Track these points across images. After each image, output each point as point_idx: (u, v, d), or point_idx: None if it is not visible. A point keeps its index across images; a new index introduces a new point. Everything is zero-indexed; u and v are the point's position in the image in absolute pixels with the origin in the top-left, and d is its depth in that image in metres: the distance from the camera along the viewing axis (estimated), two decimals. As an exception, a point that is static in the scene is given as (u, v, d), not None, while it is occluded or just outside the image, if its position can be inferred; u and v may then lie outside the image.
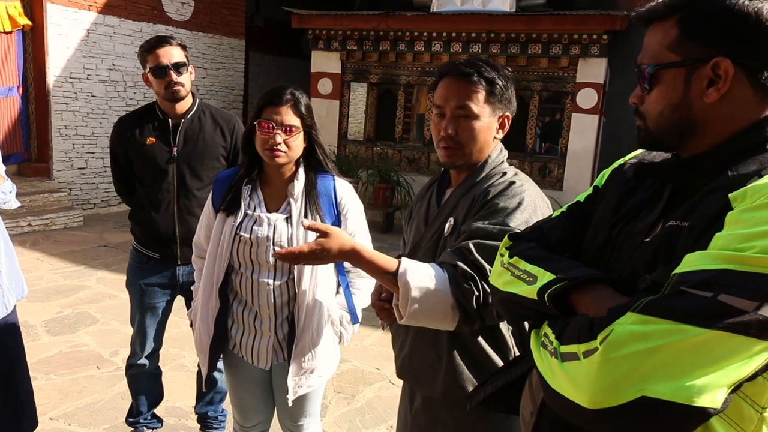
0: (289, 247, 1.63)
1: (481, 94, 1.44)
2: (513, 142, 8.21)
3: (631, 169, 1.08)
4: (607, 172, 1.17)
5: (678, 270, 0.79)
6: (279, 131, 1.81)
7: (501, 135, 1.53)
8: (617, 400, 0.75)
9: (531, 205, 1.39)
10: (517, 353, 1.45)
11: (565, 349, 0.86)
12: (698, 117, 0.92)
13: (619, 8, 7.79)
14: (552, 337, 0.91)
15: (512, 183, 1.41)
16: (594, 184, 1.17)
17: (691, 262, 0.78)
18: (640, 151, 1.14)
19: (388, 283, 1.36)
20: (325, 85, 9.39)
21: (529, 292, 0.99)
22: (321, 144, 1.96)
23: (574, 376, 0.82)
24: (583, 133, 7.94)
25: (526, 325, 1.43)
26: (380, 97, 9.40)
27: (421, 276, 1.30)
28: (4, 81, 7.23)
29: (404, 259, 1.34)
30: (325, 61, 9.36)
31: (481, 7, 8.13)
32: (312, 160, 1.97)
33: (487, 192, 1.42)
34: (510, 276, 1.06)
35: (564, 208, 1.19)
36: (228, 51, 10.04)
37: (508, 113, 1.51)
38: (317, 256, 1.36)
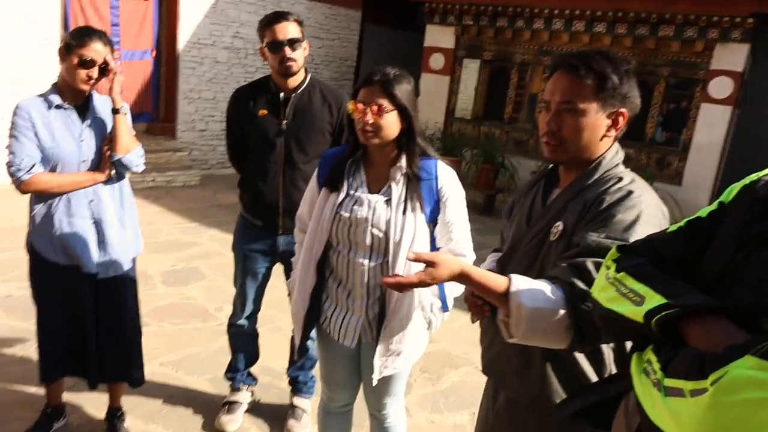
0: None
1: (589, 89, 1.35)
2: (630, 129, 7.72)
3: (765, 188, 0.96)
4: (736, 187, 1.05)
5: None
6: (369, 111, 1.81)
7: (614, 133, 1.41)
8: None
9: (651, 217, 1.29)
10: (613, 370, 1.37)
11: (670, 383, 0.80)
12: None
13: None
14: (656, 366, 0.84)
15: (630, 192, 1.31)
16: (720, 199, 1.06)
17: None
18: None
19: (499, 302, 1.31)
20: (437, 61, 9.29)
21: (635, 313, 0.92)
22: (419, 127, 1.93)
23: (677, 413, 0.76)
24: (711, 126, 7.31)
25: (628, 343, 1.35)
26: (492, 74, 9.17)
27: (534, 296, 1.24)
28: (140, 44, 7.79)
29: (515, 278, 1.29)
30: (439, 36, 9.24)
31: (610, -17, 7.63)
32: (412, 144, 1.94)
33: (602, 200, 1.32)
34: (615, 292, 1.00)
35: (682, 223, 1.09)
36: (344, 22, 10.18)
37: (623, 110, 1.38)
38: (427, 284, 1.35)
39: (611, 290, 1.01)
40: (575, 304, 1.23)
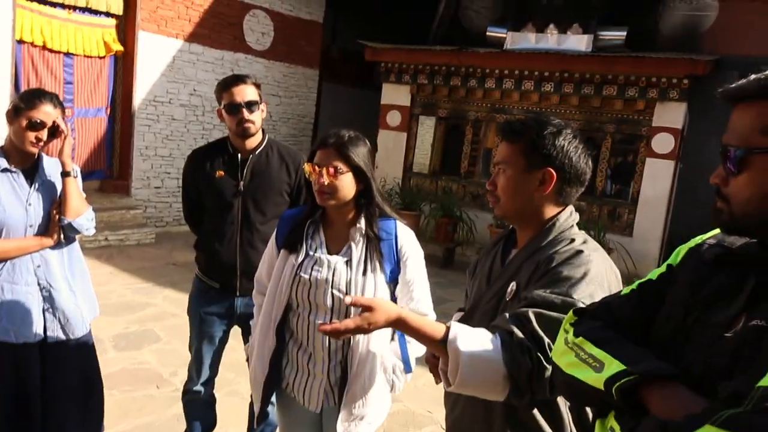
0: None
1: (516, 151, 1.44)
2: (582, 183, 8.00)
3: (710, 252, 1.01)
4: (682, 250, 1.10)
5: (763, 383, 0.72)
6: (324, 173, 1.83)
7: (548, 193, 1.44)
8: None
9: (597, 277, 1.32)
10: (574, 431, 1.37)
11: None
12: None
13: (703, 51, 7.51)
14: None
15: (579, 252, 1.35)
16: (668, 262, 1.11)
17: None
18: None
19: (438, 350, 1.32)
20: (394, 118, 9.50)
21: (595, 380, 0.93)
22: (377, 187, 1.96)
23: None
24: (656, 179, 7.64)
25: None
26: (448, 131, 9.43)
27: (472, 343, 1.26)
28: (94, 102, 7.72)
29: (454, 325, 1.30)
30: (395, 94, 9.49)
31: (557, 46, 8.05)
32: (371, 204, 1.96)
33: (552, 259, 1.36)
34: (574, 357, 1.01)
35: (634, 286, 1.12)
36: (302, 80, 10.36)
37: (549, 169, 1.42)
38: (364, 329, 1.35)
39: (571, 355, 1.02)
40: (512, 353, 1.24)
